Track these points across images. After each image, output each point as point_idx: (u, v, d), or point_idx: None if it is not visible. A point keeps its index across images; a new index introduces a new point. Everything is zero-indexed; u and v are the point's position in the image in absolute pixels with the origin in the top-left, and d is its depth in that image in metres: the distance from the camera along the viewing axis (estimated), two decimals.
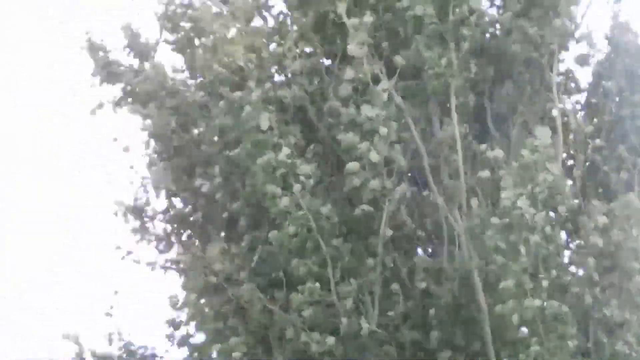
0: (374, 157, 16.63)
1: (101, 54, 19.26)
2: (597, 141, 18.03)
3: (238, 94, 16.93)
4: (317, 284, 16.35)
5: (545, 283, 15.57)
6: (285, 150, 16.42)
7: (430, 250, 18.42)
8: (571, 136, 18.29)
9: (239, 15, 17.63)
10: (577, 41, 18.25)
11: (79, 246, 28.18)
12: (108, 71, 19.26)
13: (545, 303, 15.53)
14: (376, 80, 17.29)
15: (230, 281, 16.93)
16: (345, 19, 17.44)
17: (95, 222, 28.12)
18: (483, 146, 17.63)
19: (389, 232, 16.75)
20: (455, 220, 17.58)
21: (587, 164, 18.17)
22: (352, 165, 16.65)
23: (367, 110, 16.76)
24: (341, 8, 17.60)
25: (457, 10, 17.31)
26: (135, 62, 19.25)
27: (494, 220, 15.94)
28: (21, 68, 28.69)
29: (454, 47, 17.45)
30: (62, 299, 27.36)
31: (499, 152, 17.03)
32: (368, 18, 17.31)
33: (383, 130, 16.53)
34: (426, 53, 17.32)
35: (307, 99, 17.72)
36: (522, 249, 15.66)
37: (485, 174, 16.99)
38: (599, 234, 16.16)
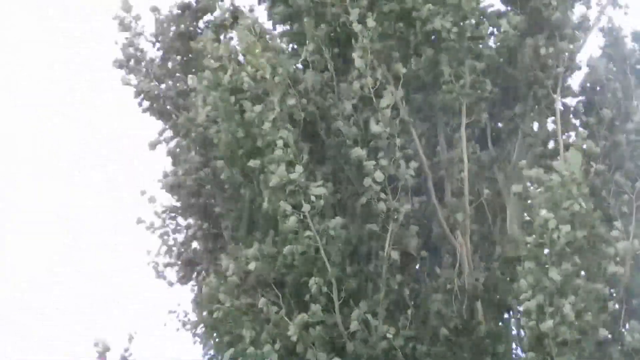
0: (379, 176, 16.74)
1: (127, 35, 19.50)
2: (598, 165, 18.11)
3: (258, 107, 16.83)
4: (320, 306, 16.41)
5: (567, 308, 15.54)
6: (299, 169, 16.44)
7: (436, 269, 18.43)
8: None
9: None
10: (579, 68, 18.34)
11: (79, 246, 28.32)
12: (129, 56, 19.45)
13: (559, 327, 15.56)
14: (382, 89, 17.23)
15: (260, 283, 16.96)
16: (355, 25, 17.39)
17: (95, 222, 28.35)
18: (522, 162, 17.50)
19: (396, 255, 16.85)
20: (456, 238, 17.72)
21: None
22: (367, 181, 16.68)
23: (373, 127, 16.86)
24: (353, 15, 17.56)
25: (477, 29, 17.45)
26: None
27: (529, 239, 15.92)
28: (21, 68, 28.73)
29: (470, 65, 17.60)
30: (62, 299, 27.53)
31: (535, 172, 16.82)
32: (371, 22, 17.29)
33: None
34: (444, 67, 17.40)
35: (317, 115, 17.72)
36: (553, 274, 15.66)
37: (518, 188, 16.94)
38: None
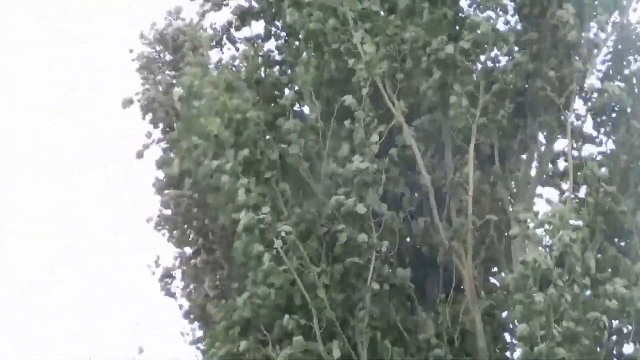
0: (361, 209, 16.76)
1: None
2: (609, 187, 18.03)
3: (215, 162, 17.01)
4: (301, 337, 16.48)
5: (555, 332, 15.75)
6: (265, 209, 16.55)
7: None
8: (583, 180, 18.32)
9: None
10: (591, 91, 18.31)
11: (79, 246, 28.29)
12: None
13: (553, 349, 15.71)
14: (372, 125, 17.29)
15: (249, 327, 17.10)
16: (359, 48, 17.29)
17: (95, 222, 28.31)
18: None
19: (376, 286, 16.83)
20: (459, 257, 17.59)
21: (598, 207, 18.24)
22: (341, 226, 16.83)
23: (357, 163, 16.86)
24: (357, 37, 17.44)
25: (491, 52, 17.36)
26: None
27: (514, 275, 16.14)
28: (21, 68, 28.59)
29: (484, 87, 17.48)
30: (62, 299, 27.53)
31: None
32: (370, 47, 17.22)
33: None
34: (456, 87, 17.27)
35: (299, 158, 17.53)
36: (539, 298, 15.85)
37: (515, 230, 16.98)
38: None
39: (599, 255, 17.57)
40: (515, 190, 18.74)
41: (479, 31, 17.16)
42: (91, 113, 28.12)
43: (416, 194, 18.41)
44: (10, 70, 28.46)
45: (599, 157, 18.62)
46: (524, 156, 18.76)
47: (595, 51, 18.37)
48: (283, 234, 16.43)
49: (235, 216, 16.64)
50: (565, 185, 18.71)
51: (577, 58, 17.98)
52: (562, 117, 18.21)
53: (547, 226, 16.13)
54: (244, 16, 19.38)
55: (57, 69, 28.27)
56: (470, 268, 17.70)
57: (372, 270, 16.71)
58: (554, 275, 15.84)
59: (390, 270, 17.25)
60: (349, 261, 16.82)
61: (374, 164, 16.91)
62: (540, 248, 16.05)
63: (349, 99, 17.16)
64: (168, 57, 19.70)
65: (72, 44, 27.78)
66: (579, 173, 17.83)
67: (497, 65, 17.52)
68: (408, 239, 18.31)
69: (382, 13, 17.71)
